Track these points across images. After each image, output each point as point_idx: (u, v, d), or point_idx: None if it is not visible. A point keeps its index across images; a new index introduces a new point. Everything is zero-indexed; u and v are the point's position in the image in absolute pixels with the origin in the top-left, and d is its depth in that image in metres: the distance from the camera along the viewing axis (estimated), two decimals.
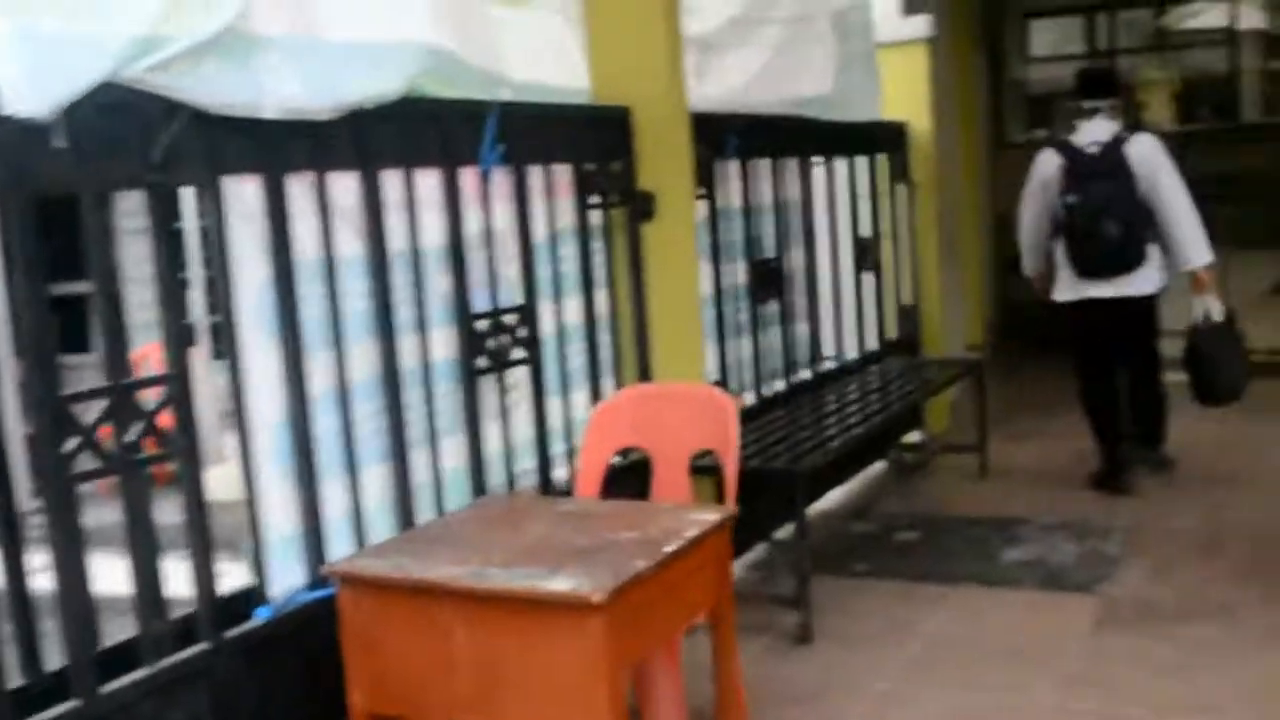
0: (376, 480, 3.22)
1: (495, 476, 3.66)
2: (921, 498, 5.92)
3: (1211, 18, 15.05)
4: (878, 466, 6.37)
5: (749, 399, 5.17)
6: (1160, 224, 5.50)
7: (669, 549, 2.49)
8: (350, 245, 3.15)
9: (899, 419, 5.77)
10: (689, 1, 4.57)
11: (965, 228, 9.09)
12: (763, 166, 5.29)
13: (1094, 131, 5.61)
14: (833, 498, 5.79)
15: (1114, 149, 5.51)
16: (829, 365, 5.94)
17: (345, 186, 3.12)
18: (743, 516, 2.99)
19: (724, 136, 4.84)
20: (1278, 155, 10.66)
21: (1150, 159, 5.52)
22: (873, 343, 6.46)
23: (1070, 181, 5.52)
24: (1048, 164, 5.70)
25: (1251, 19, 14.09)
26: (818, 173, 5.89)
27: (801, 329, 5.68)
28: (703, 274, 4.65)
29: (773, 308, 5.39)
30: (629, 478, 3.65)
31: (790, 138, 5.53)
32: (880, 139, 6.53)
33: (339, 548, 3.04)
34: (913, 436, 6.70)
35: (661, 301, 4.29)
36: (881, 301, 6.56)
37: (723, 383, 4.87)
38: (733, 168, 5.04)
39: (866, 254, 6.34)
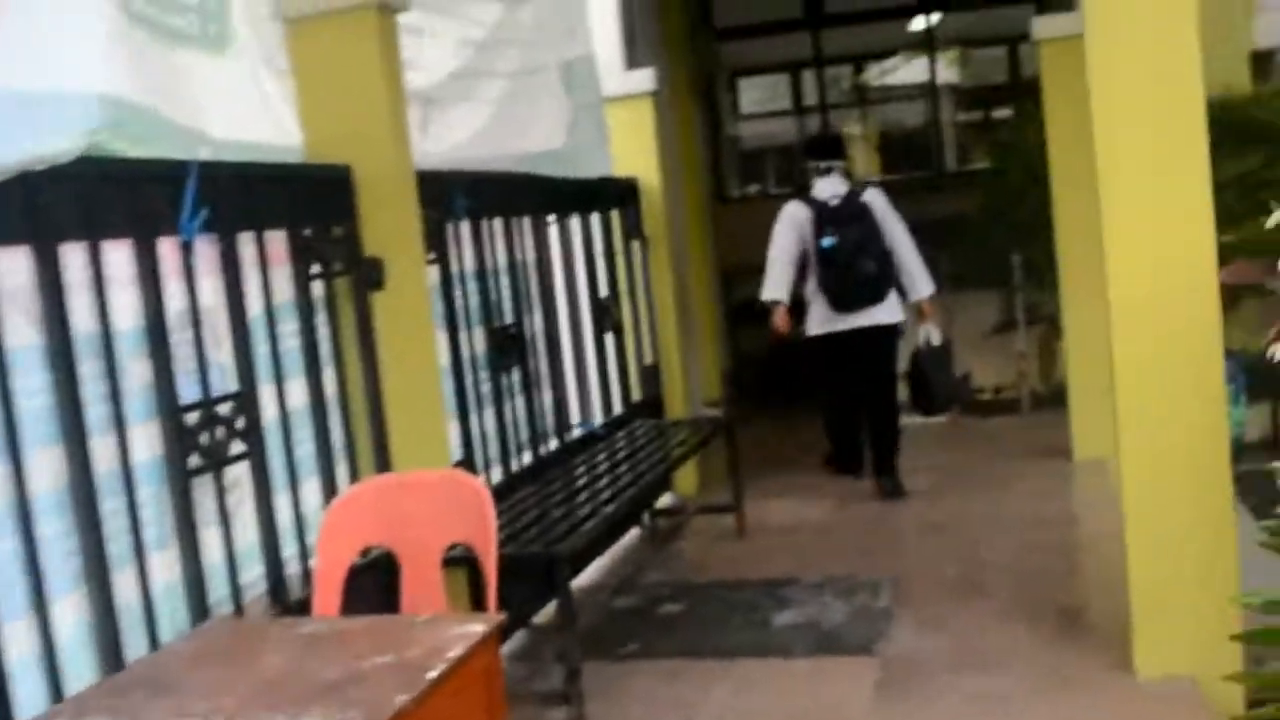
0: (72, 611, 2.70)
1: (218, 590, 3.17)
2: (681, 564, 5.68)
3: (908, 74, 15.83)
4: (632, 534, 6.11)
5: (496, 475, 4.81)
6: (896, 263, 6.34)
7: (432, 675, 2.10)
8: (22, 333, 2.63)
9: (652, 486, 5.52)
10: (409, 54, 4.22)
11: (696, 282, 9.02)
12: (495, 227, 4.97)
13: (830, 187, 6.41)
14: (590, 572, 5.48)
15: (854, 199, 6.34)
16: (577, 433, 5.65)
17: (13, 264, 2.61)
18: (500, 603, 2.64)
19: (452, 196, 4.50)
20: (976, 201, 11.11)
21: (884, 208, 6.40)
22: (618, 406, 6.21)
23: (824, 227, 6.25)
24: (799, 213, 6.40)
25: (946, 75, 14.89)
26: (552, 232, 5.63)
27: (546, 397, 5.37)
28: (439, 344, 4.28)
29: (515, 376, 5.06)
30: (373, 580, 3.23)
31: (522, 196, 5.25)
32: (613, 195, 6.34)
33: (28, 699, 2.51)
34: (664, 499, 6.48)
35: (397, 377, 3.89)
36: (624, 363, 6.33)
37: (468, 460, 4.50)
38: (464, 229, 4.70)
39: (606, 314, 6.11)
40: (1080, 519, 5.84)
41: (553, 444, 5.38)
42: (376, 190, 3.83)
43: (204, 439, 3.10)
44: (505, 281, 5.03)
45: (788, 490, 6.82)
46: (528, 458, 5.10)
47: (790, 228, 6.39)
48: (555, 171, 5.63)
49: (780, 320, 6.47)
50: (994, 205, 8.38)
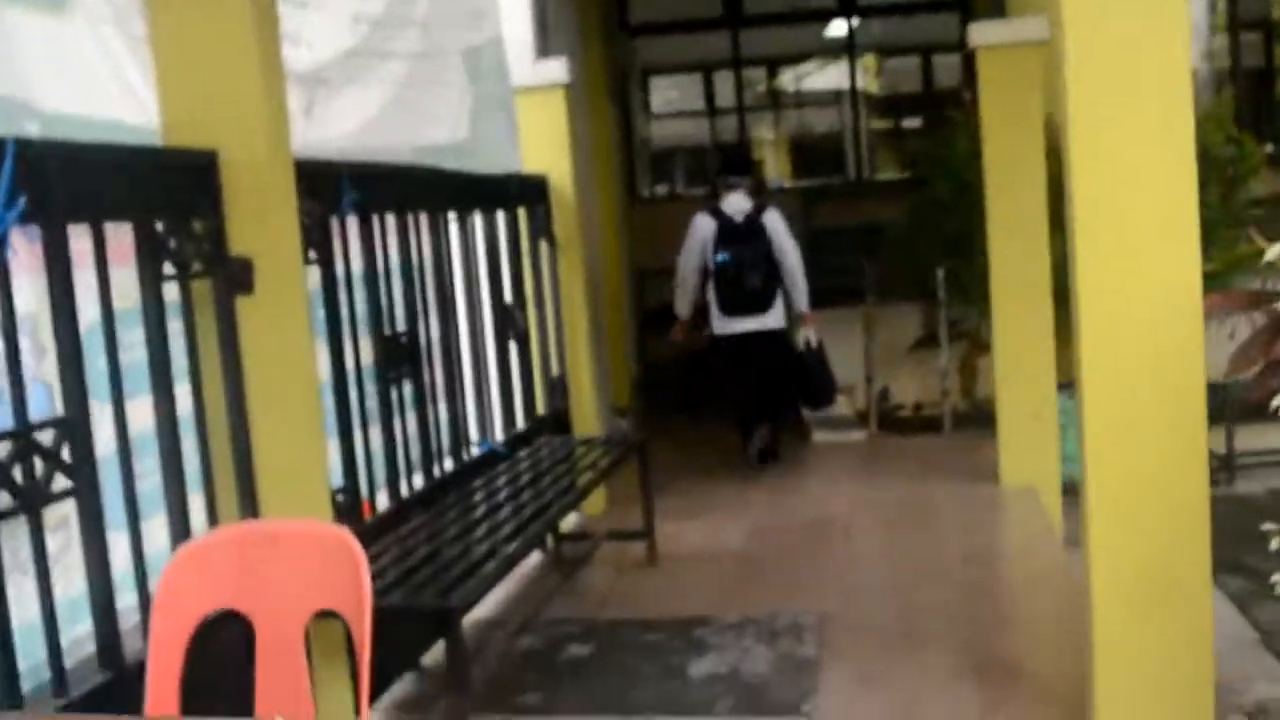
0: None
1: (33, 654, 2.64)
2: (589, 598, 5.20)
3: (825, 79, 15.53)
4: (535, 558, 5.62)
5: (383, 502, 4.30)
6: (784, 277, 7.11)
7: None
8: None
9: (558, 512, 5.04)
10: (291, 27, 3.71)
11: (608, 286, 8.58)
12: (388, 224, 4.45)
13: (737, 203, 7.16)
14: (488, 603, 4.98)
15: (755, 218, 7.12)
16: (476, 452, 5.15)
17: None
18: (387, 644, 2.17)
19: (338, 189, 3.98)
20: (896, 210, 10.85)
21: (780, 229, 7.13)
22: (522, 422, 5.72)
23: (721, 243, 7.08)
24: (705, 226, 7.15)
25: (863, 81, 14.60)
26: (453, 231, 5.13)
27: (442, 412, 4.86)
28: (319, 355, 3.76)
29: (406, 389, 4.55)
30: (222, 652, 2.70)
31: (419, 190, 4.74)
32: (521, 192, 5.84)
33: None
34: (569, 520, 6.01)
35: (266, 394, 3.36)
36: (529, 374, 5.85)
37: (350, 487, 3.98)
38: (351, 226, 4.18)
39: (510, 321, 5.62)
40: (1018, 555, 5.48)
41: (449, 465, 4.87)
42: (246, 180, 3.29)
43: (18, 474, 2.55)
44: (398, 285, 4.52)
45: (702, 509, 6.41)
46: (420, 481, 4.60)
47: (697, 241, 7.17)
48: (457, 165, 5.13)
49: (678, 333, 7.47)
50: (919, 217, 8.04)
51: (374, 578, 2.41)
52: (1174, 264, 3.09)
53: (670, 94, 16.47)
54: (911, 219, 8.17)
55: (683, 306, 7.33)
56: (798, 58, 14.46)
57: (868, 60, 13.55)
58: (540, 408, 5.94)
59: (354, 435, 4.05)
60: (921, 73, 14.81)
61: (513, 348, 5.64)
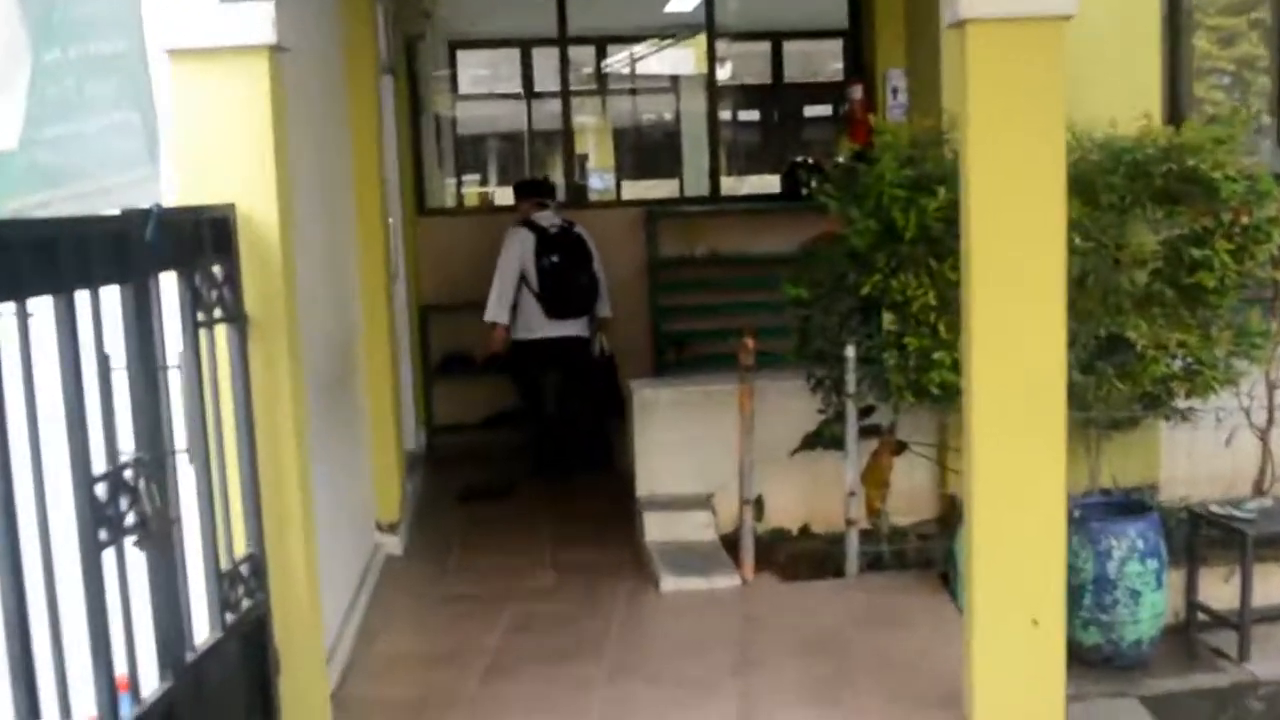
0: None
1: None
2: None
3: (655, 64, 13.17)
4: None
5: None
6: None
7: None
8: None
9: None
10: None
11: (371, 334, 5.99)
12: None
13: (549, 218, 7.61)
14: None
15: (570, 230, 7.58)
16: None
17: None
18: None
19: None
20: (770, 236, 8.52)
21: (591, 239, 7.59)
22: (152, 683, 3.06)
23: (547, 248, 7.42)
24: (524, 236, 7.46)
25: (690, 66, 12.25)
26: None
27: None
28: None
29: None
30: None
31: None
32: (168, 246, 3.14)
33: None
34: None
35: None
36: (172, 587, 3.17)
37: None
38: None
39: (116, 507, 2.92)
40: None
41: None
42: None
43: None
44: None
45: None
46: None
47: (516, 250, 7.44)
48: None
49: (498, 342, 7.57)
50: (821, 268, 5.63)
51: None
52: None
53: (480, 73, 13.93)
54: (807, 270, 5.75)
55: (500, 311, 7.46)
56: (638, 37, 12.08)
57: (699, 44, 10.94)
58: (195, 639, 3.26)
59: None
60: (771, 61, 12.69)
61: (130, 549, 2.94)
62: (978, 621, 3.82)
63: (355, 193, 5.96)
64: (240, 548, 3.53)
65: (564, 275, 7.40)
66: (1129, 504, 5.51)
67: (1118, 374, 5.54)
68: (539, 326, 7.48)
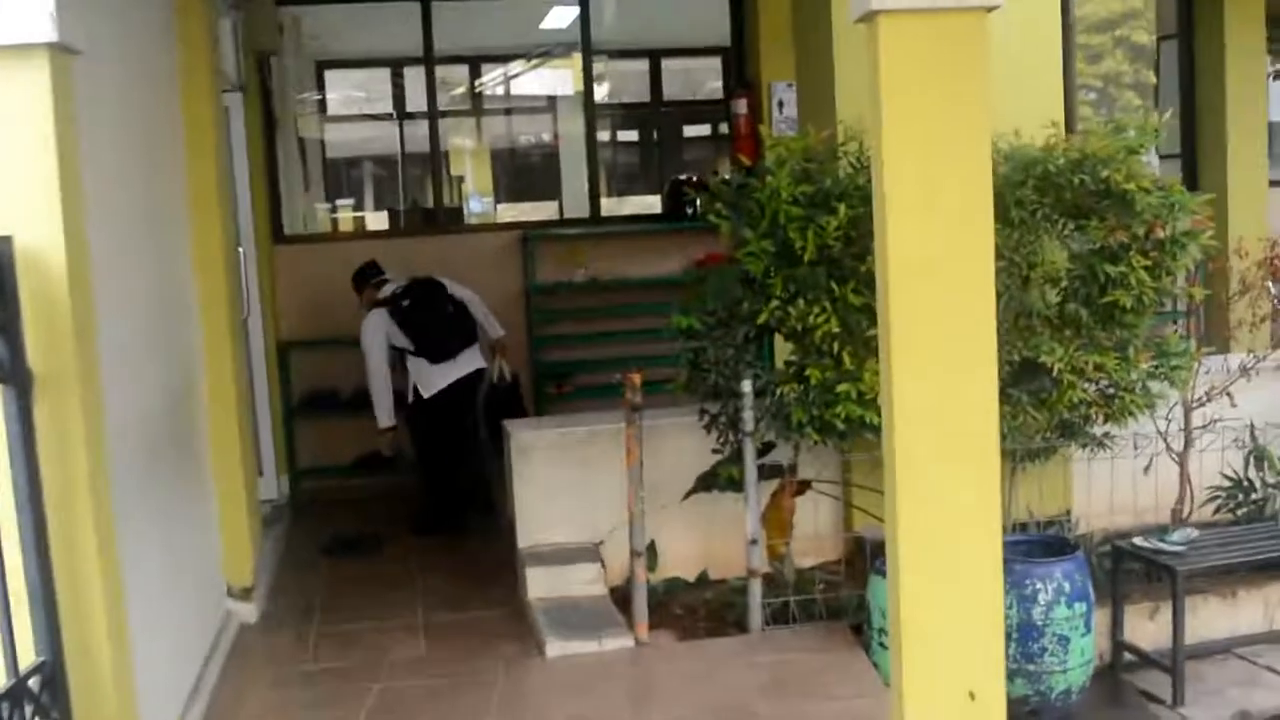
0: None
1: None
2: None
3: (532, 84, 12.70)
4: None
5: None
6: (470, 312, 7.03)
7: None
8: None
9: None
10: None
11: (212, 378, 5.37)
12: None
13: (390, 288, 7.03)
14: None
15: (415, 279, 7.02)
16: None
17: None
18: None
19: None
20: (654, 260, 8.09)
21: (442, 277, 7.04)
22: None
23: (397, 309, 6.86)
24: (377, 318, 6.90)
25: (568, 85, 11.77)
26: None
27: None
28: None
29: None
30: None
31: None
32: None
33: None
34: None
35: None
36: None
37: None
38: None
39: None
40: None
41: None
42: None
43: None
44: None
45: None
46: None
47: (379, 340, 6.86)
48: None
49: (391, 447, 7.06)
50: (713, 292, 5.14)
51: None
52: None
53: (348, 93, 13.29)
54: (697, 297, 5.26)
55: (385, 414, 6.95)
56: (511, 56, 11.59)
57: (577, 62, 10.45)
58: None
59: None
60: (649, 79, 12.29)
61: None
62: (908, 698, 3.32)
63: (191, 221, 5.32)
64: (27, 656, 2.90)
65: (424, 314, 6.82)
66: (1050, 541, 5.11)
67: (1032, 402, 5.17)
68: (436, 378, 6.85)
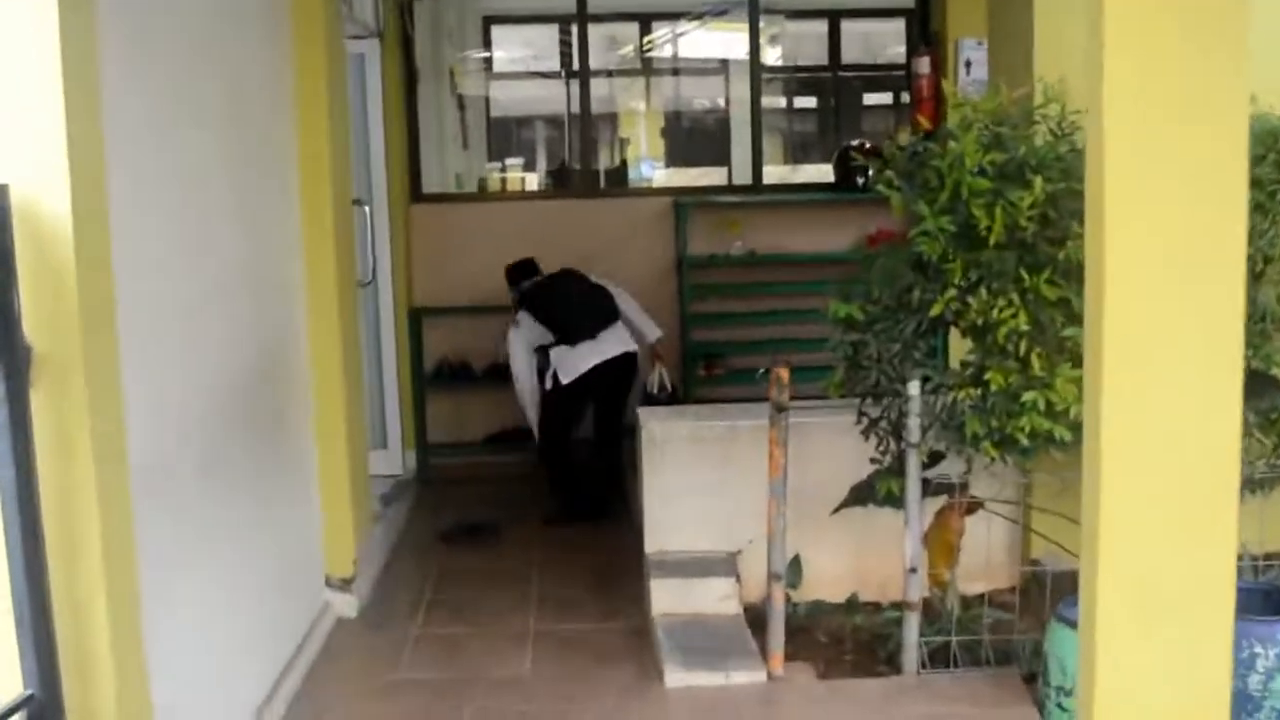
0: None
1: None
2: None
3: (703, 45, 12.08)
4: None
5: None
6: (620, 308, 6.60)
7: None
8: None
9: None
10: None
11: (322, 345, 4.90)
12: None
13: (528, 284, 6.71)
14: None
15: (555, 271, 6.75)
16: None
17: None
18: None
19: None
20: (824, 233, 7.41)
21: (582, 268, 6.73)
22: None
23: (539, 284, 6.64)
24: (522, 323, 6.52)
25: (742, 49, 11.10)
26: None
27: None
28: None
29: None
30: None
31: None
32: None
33: None
34: None
35: None
36: None
37: None
38: None
39: None
40: None
41: None
42: None
43: None
44: None
45: None
46: None
47: (522, 339, 6.52)
48: None
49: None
50: (882, 276, 4.41)
51: None
52: None
53: (517, 52, 12.88)
54: (859, 282, 4.54)
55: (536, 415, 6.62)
56: (681, 14, 11.01)
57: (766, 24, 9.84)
58: None
59: None
60: (829, 42, 11.53)
61: None
62: None
63: (301, 176, 4.82)
64: (12, 688, 2.41)
65: (552, 294, 6.54)
66: (1271, 592, 4.26)
67: (1260, 422, 4.33)
68: (577, 361, 6.38)
